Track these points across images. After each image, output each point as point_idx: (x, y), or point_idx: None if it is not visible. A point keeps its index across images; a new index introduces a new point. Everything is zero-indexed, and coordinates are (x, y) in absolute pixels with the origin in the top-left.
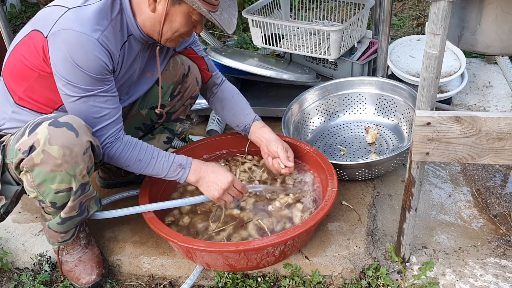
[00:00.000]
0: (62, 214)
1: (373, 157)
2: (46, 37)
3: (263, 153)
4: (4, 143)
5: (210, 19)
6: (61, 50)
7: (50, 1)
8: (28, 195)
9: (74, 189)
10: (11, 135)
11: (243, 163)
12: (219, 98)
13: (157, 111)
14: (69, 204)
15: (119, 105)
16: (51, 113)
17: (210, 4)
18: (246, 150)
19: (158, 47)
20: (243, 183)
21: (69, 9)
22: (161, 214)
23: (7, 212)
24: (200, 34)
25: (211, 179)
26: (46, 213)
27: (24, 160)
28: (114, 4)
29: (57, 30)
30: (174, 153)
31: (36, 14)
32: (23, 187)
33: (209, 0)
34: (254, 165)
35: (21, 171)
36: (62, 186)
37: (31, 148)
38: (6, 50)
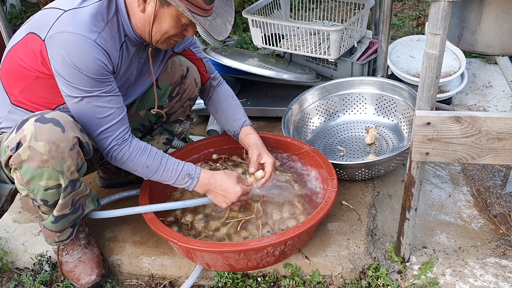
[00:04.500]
0: (55, 212)
1: (370, 158)
2: (44, 40)
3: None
4: None
5: (197, 23)
6: (59, 53)
7: (51, 1)
8: (20, 193)
9: (63, 186)
10: (5, 134)
11: (239, 163)
12: (213, 101)
13: (152, 111)
14: (60, 201)
15: (123, 105)
16: None
17: (200, 8)
18: (245, 154)
19: (150, 49)
20: (251, 192)
21: (65, 11)
22: (161, 213)
23: (2, 211)
24: (200, 34)
25: (220, 192)
26: (43, 213)
27: (12, 157)
28: (110, 5)
29: (54, 33)
30: (184, 161)
31: (32, 17)
32: None
33: (199, 4)
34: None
35: (10, 169)
36: (50, 182)
37: (18, 145)
38: None
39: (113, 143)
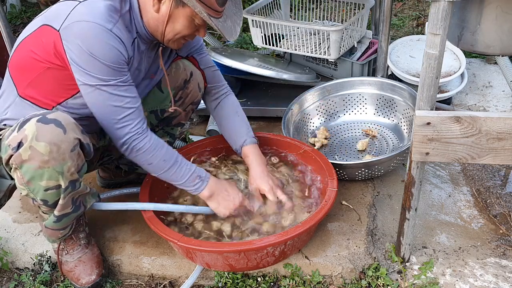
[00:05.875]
0: (56, 212)
1: (367, 158)
2: (59, 31)
3: None
4: (1, 137)
5: (212, 25)
6: (76, 42)
7: (51, 1)
8: (21, 193)
9: (63, 187)
10: (6, 131)
11: (239, 162)
12: (218, 114)
13: (170, 109)
14: (60, 201)
15: (138, 95)
16: (53, 107)
17: (213, 10)
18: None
19: (161, 48)
20: (250, 205)
21: (80, 2)
22: (162, 212)
23: (0, 205)
24: None
25: (223, 196)
26: (43, 212)
27: (13, 156)
28: (124, 1)
29: (70, 23)
30: (195, 165)
31: (46, 10)
32: None
33: (212, 6)
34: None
35: (11, 168)
36: (50, 183)
37: (19, 144)
38: (6, 50)
39: (132, 132)
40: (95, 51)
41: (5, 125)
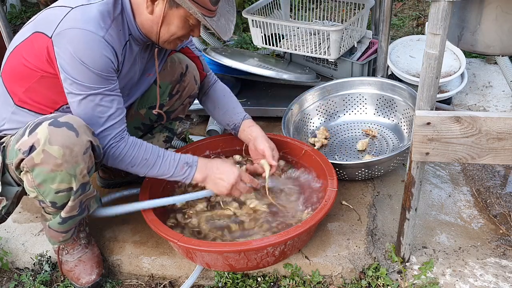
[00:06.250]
0: (63, 213)
1: (367, 158)
2: (51, 37)
3: (250, 152)
4: (4, 144)
5: (206, 25)
6: (67, 49)
7: (51, 1)
8: (28, 195)
9: (75, 189)
10: (11, 136)
11: (238, 162)
12: (210, 98)
13: (154, 112)
14: (69, 203)
15: (123, 107)
16: (51, 113)
17: (207, 9)
18: (243, 150)
19: (156, 49)
20: (251, 177)
21: (73, 8)
22: (164, 215)
23: (8, 213)
24: (200, 34)
25: (218, 175)
26: (47, 213)
27: (24, 160)
28: (116, 3)
29: (62, 30)
30: (180, 153)
31: (37, 16)
32: (23, 188)
33: (206, 5)
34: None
35: (21, 171)
36: (62, 186)
37: (31, 148)
38: (6, 50)
39: (111, 141)
40: (85, 59)
41: (5, 134)
